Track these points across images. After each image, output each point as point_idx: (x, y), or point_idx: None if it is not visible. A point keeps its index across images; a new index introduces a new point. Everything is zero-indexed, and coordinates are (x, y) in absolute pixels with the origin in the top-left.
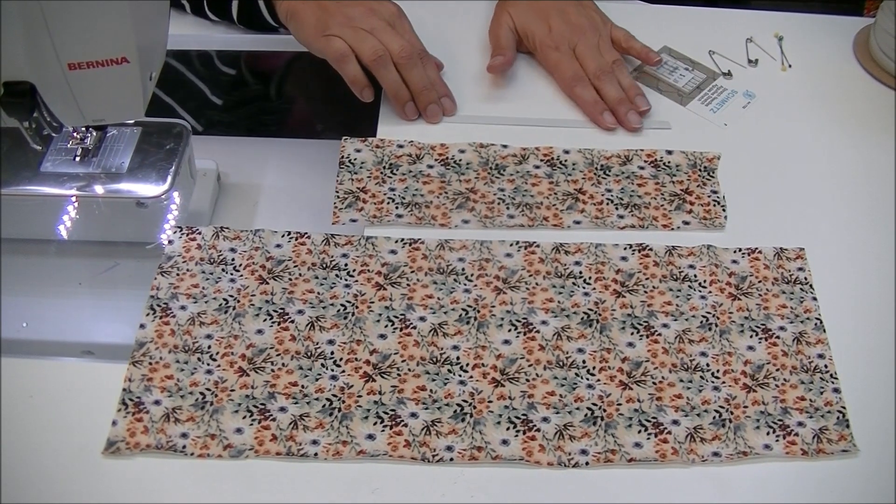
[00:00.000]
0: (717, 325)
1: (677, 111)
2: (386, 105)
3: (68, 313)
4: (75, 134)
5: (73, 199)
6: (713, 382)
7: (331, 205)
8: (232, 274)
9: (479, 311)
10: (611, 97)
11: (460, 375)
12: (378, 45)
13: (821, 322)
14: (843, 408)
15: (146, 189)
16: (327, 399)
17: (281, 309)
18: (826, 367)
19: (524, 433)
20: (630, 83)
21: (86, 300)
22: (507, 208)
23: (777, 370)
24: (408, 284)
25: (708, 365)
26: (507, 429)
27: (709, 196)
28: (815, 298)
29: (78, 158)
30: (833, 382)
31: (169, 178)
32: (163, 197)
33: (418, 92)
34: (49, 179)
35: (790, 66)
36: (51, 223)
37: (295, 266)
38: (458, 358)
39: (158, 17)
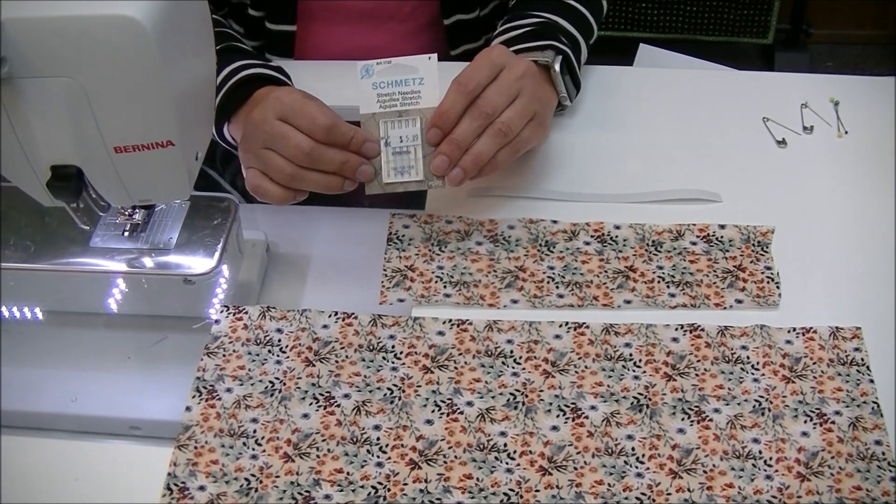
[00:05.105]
0: (769, 410)
1: None
2: None
3: (117, 387)
4: (124, 210)
5: (122, 274)
6: (766, 471)
7: (379, 275)
8: (278, 356)
9: (527, 396)
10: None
11: (507, 463)
12: (281, 165)
13: (878, 406)
14: None
15: (194, 264)
16: (372, 487)
17: (327, 392)
18: (883, 454)
19: None
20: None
21: (134, 374)
22: (557, 287)
23: (832, 457)
24: (455, 367)
25: (760, 452)
26: None
27: (762, 272)
28: (871, 381)
29: (126, 234)
30: (891, 471)
31: (216, 255)
32: (210, 273)
33: (339, 170)
34: (98, 254)
35: (846, 132)
36: (100, 297)
37: (342, 348)
38: (505, 445)
39: (203, 98)
